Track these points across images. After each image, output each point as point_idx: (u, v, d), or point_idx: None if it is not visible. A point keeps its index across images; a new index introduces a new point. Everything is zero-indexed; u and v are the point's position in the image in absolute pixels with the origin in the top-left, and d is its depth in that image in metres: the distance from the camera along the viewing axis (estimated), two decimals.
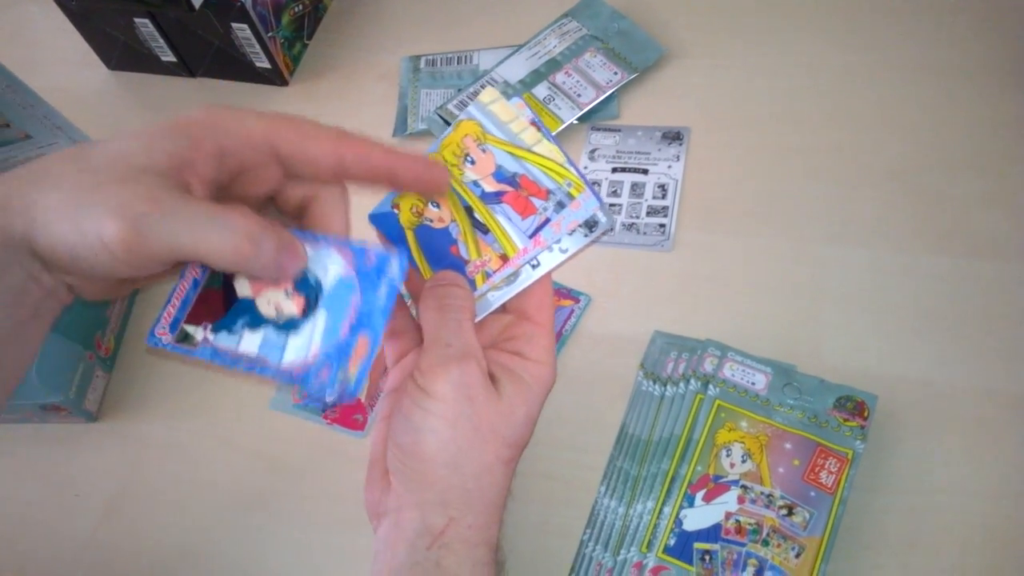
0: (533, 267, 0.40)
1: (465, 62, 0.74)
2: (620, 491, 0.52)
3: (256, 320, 0.35)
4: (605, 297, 0.61)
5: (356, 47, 0.80)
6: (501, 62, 0.72)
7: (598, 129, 0.68)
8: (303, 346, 0.35)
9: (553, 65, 0.71)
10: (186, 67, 0.80)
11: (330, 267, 0.35)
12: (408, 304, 0.44)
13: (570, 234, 0.40)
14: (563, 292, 0.61)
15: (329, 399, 0.35)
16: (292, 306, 0.35)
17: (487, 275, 0.40)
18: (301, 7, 0.78)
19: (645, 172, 0.65)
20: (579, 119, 0.68)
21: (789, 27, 0.73)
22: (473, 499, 0.38)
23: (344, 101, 0.77)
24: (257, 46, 0.74)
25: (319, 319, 0.35)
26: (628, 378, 0.57)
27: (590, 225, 0.39)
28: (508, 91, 0.70)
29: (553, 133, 0.67)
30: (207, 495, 0.58)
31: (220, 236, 0.31)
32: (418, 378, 0.38)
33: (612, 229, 0.64)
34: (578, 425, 0.56)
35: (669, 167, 0.65)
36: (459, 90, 0.72)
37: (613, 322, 0.60)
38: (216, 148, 0.33)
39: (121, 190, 0.31)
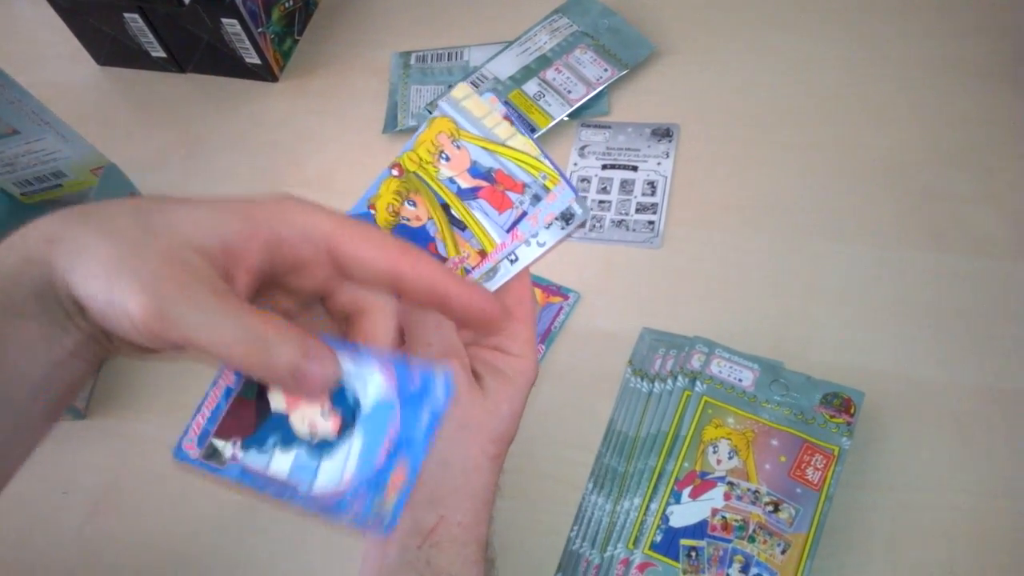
0: (511, 262, 0.40)
1: (455, 58, 0.74)
2: (608, 488, 0.52)
3: (288, 438, 0.32)
4: (594, 294, 0.61)
5: (347, 43, 0.80)
6: (492, 58, 0.72)
7: (588, 126, 0.68)
8: (336, 471, 0.32)
9: (543, 62, 0.70)
10: (176, 62, 0.79)
11: (370, 385, 0.32)
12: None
13: (547, 227, 0.40)
14: (552, 289, 0.61)
15: (371, 525, 0.31)
16: (328, 425, 0.32)
17: (466, 271, 0.40)
18: (291, 3, 0.78)
19: (635, 169, 0.65)
20: (569, 116, 0.68)
21: (780, 24, 0.73)
22: (462, 497, 0.38)
23: (334, 97, 0.77)
24: (247, 42, 0.74)
25: (355, 442, 0.32)
26: (616, 375, 0.57)
27: (566, 217, 0.39)
28: (498, 87, 0.70)
29: (543, 129, 0.67)
30: (195, 493, 0.58)
31: (233, 335, 0.30)
32: None
33: (587, 221, 0.64)
34: (566, 422, 0.56)
35: (659, 164, 0.65)
36: (449, 86, 0.72)
37: (602, 319, 0.60)
38: (273, 237, 0.32)
39: (161, 266, 0.30)
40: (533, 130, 0.67)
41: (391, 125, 0.72)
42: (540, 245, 0.40)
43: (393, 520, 0.31)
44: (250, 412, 0.33)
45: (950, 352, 0.55)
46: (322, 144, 0.74)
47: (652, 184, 0.64)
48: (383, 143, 0.72)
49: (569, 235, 0.40)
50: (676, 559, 0.47)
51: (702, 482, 0.49)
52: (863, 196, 0.62)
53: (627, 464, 0.52)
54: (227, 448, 0.33)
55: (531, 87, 0.69)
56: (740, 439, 0.50)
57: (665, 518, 0.48)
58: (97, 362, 0.37)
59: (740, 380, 0.52)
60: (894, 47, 0.69)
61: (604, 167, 0.66)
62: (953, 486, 0.50)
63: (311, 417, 0.32)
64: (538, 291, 0.61)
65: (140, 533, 0.57)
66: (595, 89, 0.68)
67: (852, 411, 0.51)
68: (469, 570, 0.38)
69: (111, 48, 0.80)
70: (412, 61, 0.75)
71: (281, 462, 0.32)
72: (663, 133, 0.67)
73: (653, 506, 0.49)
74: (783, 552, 0.47)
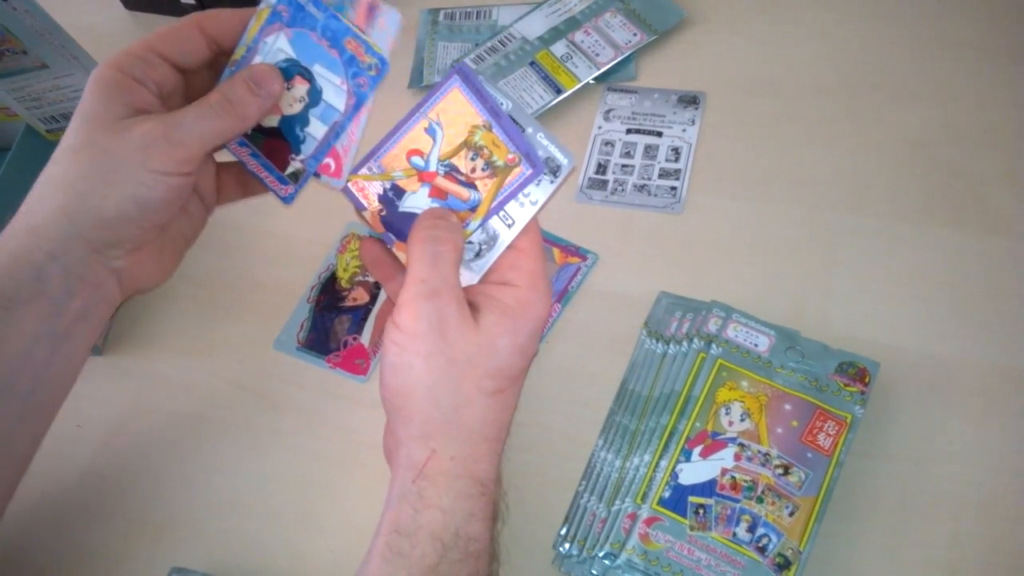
0: (509, 226, 0.40)
1: (484, 17, 0.74)
2: (618, 445, 0.52)
3: (301, 119, 0.42)
4: (613, 256, 0.61)
5: None
6: (520, 18, 0.72)
7: (614, 90, 0.68)
8: (333, 91, 0.41)
9: (573, 23, 0.70)
10: (203, 8, 0.79)
11: (279, 46, 0.41)
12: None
13: (537, 184, 0.40)
14: (570, 249, 0.61)
15: (379, 75, 0.41)
16: (298, 86, 0.42)
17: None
18: None
19: (659, 135, 0.65)
20: (596, 79, 0.68)
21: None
22: (453, 431, 0.38)
23: None
24: None
25: (318, 70, 0.41)
26: (632, 337, 0.57)
27: (554, 170, 0.39)
28: (526, 47, 0.69)
29: (569, 91, 0.67)
30: (207, 431, 0.58)
31: (216, 115, 0.40)
32: (394, 315, 0.39)
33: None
34: (579, 380, 0.56)
35: (684, 131, 0.65)
36: (476, 44, 0.71)
37: (620, 281, 0.60)
38: (133, 79, 0.41)
39: (134, 134, 0.39)
40: (559, 91, 0.67)
41: (416, 81, 0.72)
42: (533, 204, 0.40)
43: (383, 60, 0.41)
44: (275, 144, 0.43)
45: (966, 329, 0.55)
46: None
47: (676, 150, 0.64)
48: (408, 98, 0.72)
49: (559, 187, 0.40)
50: (684, 515, 0.47)
51: (713, 442, 0.49)
52: (885, 171, 0.62)
53: (638, 422, 0.52)
54: (295, 164, 0.43)
55: (559, 48, 0.69)
56: (753, 402, 0.50)
57: (674, 475, 0.48)
58: (101, 323, 0.41)
59: (756, 345, 0.52)
60: (923, 26, 0.69)
61: (628, 131, 0.66)
62: (964, 460, 0.51)
63: (288, 100, 0.42)
64: (556, 251, 0.61)
65: (150, 469, 0.57)
66: (623, 53, 0.68)
67: (867, 380, 0.51)
68: (462, 504, 0.38)
69: None
70: (440, 18, 0.75)
71: (316, 127, 0.42)
72: (689, 100, 0.67)
73: (663, 463, 0.49)
74: (791, 514, 0.47)
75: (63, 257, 0.39)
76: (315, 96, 0.42)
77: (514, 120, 0.39)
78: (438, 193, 0.41)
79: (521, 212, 0.40)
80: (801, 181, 0.62)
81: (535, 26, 0.71)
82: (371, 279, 0.62)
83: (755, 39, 0.70)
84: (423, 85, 0.71)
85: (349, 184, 0.43)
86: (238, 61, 0.42)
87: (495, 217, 0.40)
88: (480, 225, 0.41)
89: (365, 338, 0.60)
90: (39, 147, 0.68)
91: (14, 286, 0.39)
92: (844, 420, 0.49)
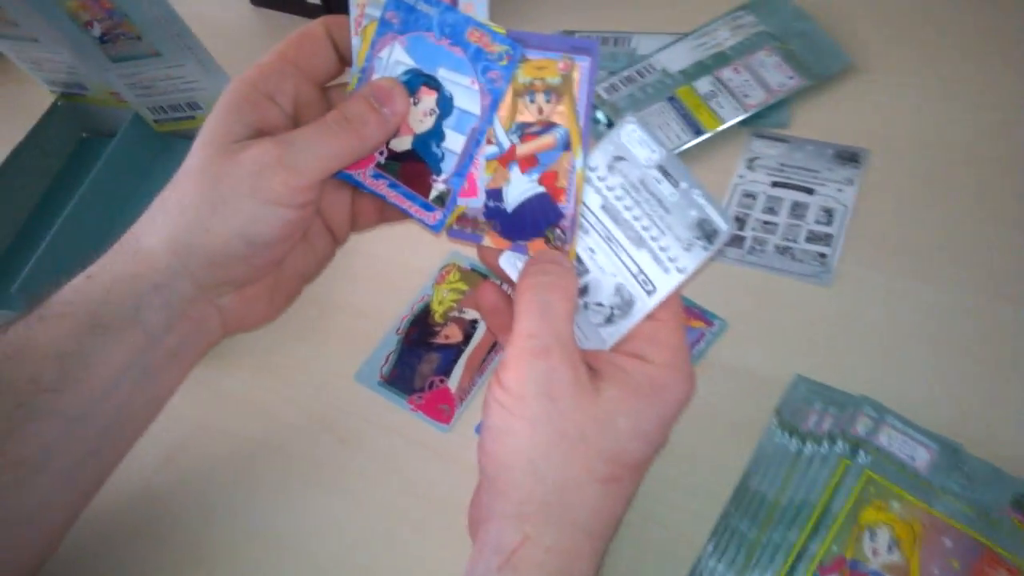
0: (648, 292, 0.34)
1: (622, 44, 0.68)
2: (732, 555, 0.44)
3: (436, 134, 0.37)
4: (744, 325, 0.53)
5: (504, 17, 0.75)
6: (663, 48, 0.65)
7: (762, 136, 0.60)
8: (465, 93, 0.36)
9: (721, 59, 0.63)
10: (328, 9, 0.76)
11: (395, 58, 0.36)
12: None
13: (687, 249, 0.33)
14: (695, 312, 0.54)
15: (511, 62, 0.35)
16: (425, 97, 0.36)
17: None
18: None
19: (810, 192, 0.57)
20: (743, 122, 0.60)
21: (995, 53, 0.63)
22: (554, 516, 0.32)
23: None
24: None
25: (443, 73, 0.36)
26: (759, 424, 0.49)
27: (708, 235, 0.33)
28: (666, 80, 0.62)
29: (711, 132, 0.59)
30: (271, 460, 0.53)
31: (336, 137, 0.36)
32: (499, 371, 0.34)
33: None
34: (691, 465, 0.48)
35: (839, 190, 0.57)
36: (611, 73, 0.65)
37: (749, 355, 0.52)
38: (264, 96, 0.37)
39: (246, 157, 0.35)
40: (699, 132, 0.59)
41: None
42: (680, 271, 0.33)
43: (513, 43, 0.35)
44: (413, 167, 0.38)
45: None
46: None
47: (829, 212, 0.56)
48: None
49: (711, 257, 0.34)
50: None
51: (852, 573, 0.41)
52: None
53: (760, 532, 0.44)
54: (438, 187, 0.37)
55: (703, 84, 0.62)
56: (905, 530, 0.42)
57: None
58: (192, 362, 0.41)
59: (912, 459, 0.44)
60: None
61: (774, 184, 0.58)
62: None
63: (416, 115, 0.37)
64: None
65: (206, 494, 0.53)
66: (776, 96, 0.60)
67: None
68: None
69: None
70: None
71: (454, 140, 0.36)
72: (849, 157, 0.58)
73: None
74: None
75: (166, 290, 0.36)
76: (446, 105, 0.36)
77: (665, 171, 0.33)
78: (528, 162, 0.36)
79: (664, 279, 0.33)
80: (974, 263, 0.53)
81: (678, 58, 0.64)
82: (467, 316, 0.57)
83: (929, 96, 0.61)
84: None
85: (451, 229, 0.37)
86: (352, 92, 0.37)
87: (633, 282, 0.34)
88: (586, 156, 0.35)
89: (453, 382, 0.54)
90: (145, 136, 0.66)
91: (111, 312, 0.36)
92: (1020, 570, 0.40)
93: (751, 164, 0.59)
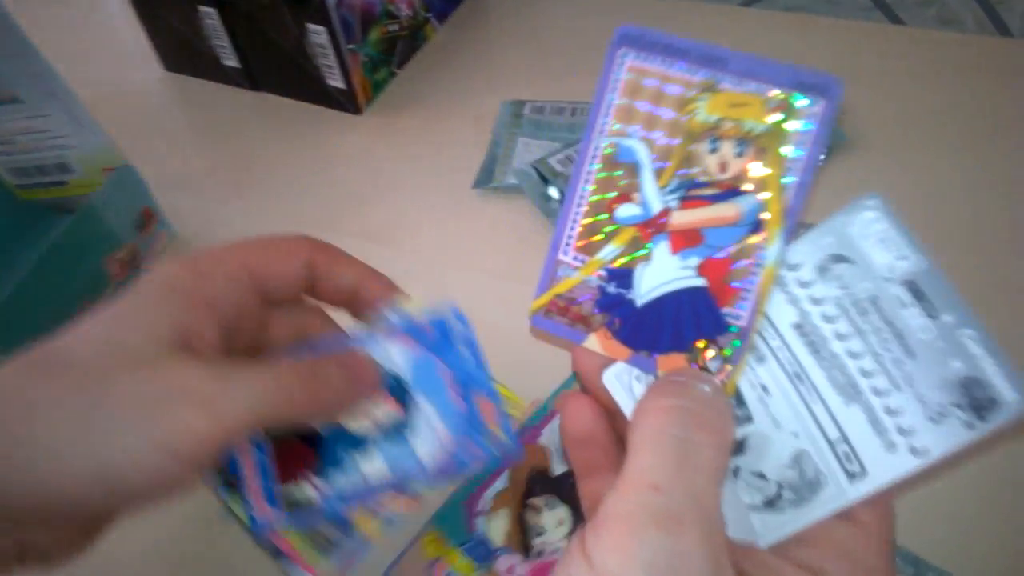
0: (851, 476, 0.22)
1: (579, 114, 0.59)
2: None
3: (358, 442, 0.29)
4: None
5: (451, 85, 0.67)
6: None
7: None
8: (430, 439, 0.29)
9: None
10: (248, 76, 0.67)
11: (396, 356, 0.29)
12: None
13: (935, 421, 0.21)
14: None
15: (501, 457, 0.29)
16: (387, 408, 0.29)
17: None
18: (396, 27, 0.65)
19: None
20: None
21: (996, 134, 0.55)
22: None
23: (423, 142, 0.62)
24: (332, 58, 0.61)
25: (425, 406, 0.29)
26: None
27: (979, 405, 0.21)
28: None
29: None
30: None
31: (283, 390, 0.25)
32: (588, 536, 0.20)
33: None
34: None
35: None
36: (567, 145, 0.56)
37: None
38: (205, 299, 0.27)
39: (159, 377, 0.24)
40: None
41: (484, 180, 0.57)
42: (916, 453, 0.21)
43: (515, 444, 0.29)
44: (293, 446, 0.29)
45: None
46: (397, 192, 0.59)
47: None
48: (471, 200, 0.56)
49: (981, 442, 0.21)
50: None
51: None
52: None
53: None
54: (305, 488, 0.29)
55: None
56: None
57: None
58: None
59: None
60: None
61: None
62: None
63: (367, 414, 0.29)
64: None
65: None
66: None
67: None
68: None
69: (181, 51, 0.69)
70: (525, 111, 0.60)
71: (373, 465, 0.29)
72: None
73: None
74: None
75: None
76: (398, 433, 0.29)
77: (919, 291, 0.22)
78: (686, 239, 0.24)
79: (884, 460, 0.21)
80: None
81: None
82: None
83: (925, 175, 0.54)
84: (492, 186, 0.56)
85: (537, 316, 0.25)
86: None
87: (827, 453, 0.21)
88: (786, 247, 0.23)
89: None
90: (5, 208, 0.55)
91: None
92: None
93: None
